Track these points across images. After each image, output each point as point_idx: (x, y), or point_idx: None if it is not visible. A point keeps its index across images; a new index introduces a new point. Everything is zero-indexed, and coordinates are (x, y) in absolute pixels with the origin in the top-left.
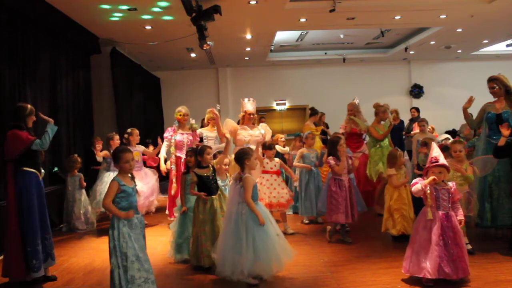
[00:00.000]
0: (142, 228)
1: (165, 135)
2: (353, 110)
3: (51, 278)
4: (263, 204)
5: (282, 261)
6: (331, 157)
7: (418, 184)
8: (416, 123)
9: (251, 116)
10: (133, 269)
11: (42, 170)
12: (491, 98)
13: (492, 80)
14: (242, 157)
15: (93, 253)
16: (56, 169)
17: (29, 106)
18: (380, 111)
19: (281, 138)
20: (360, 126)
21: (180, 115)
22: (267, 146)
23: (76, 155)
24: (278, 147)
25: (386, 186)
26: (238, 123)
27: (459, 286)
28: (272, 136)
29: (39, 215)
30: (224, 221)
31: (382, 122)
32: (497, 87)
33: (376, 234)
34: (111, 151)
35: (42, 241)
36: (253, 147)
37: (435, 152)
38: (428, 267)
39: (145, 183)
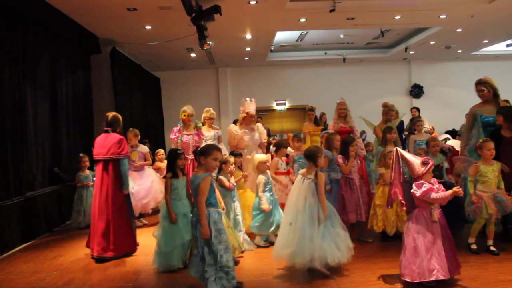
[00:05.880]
0: None
1: (171, 136)
2: (345, 110)
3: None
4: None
5: (336, 255)
6: (340, 155)
7: (449, 193)
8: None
9: (253, 118)
10: None
11: None
12: None
13: (481, 83)
14: (315, 154)
15: None
16: (56, 169)
17: (110, 115)
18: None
19: None
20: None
21: (185, 115)
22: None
23: (82, 154)
24: (290, 149)
25: (377, 186)
26: (235, 122)
27: (458, 286)
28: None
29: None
30: (296, 214)
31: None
32: (486, 90)
33: (376, 234)
34: None
35: None
36: (255, 150)
37: (414, 157)
38: (440, 269)
39: (137, 185)
